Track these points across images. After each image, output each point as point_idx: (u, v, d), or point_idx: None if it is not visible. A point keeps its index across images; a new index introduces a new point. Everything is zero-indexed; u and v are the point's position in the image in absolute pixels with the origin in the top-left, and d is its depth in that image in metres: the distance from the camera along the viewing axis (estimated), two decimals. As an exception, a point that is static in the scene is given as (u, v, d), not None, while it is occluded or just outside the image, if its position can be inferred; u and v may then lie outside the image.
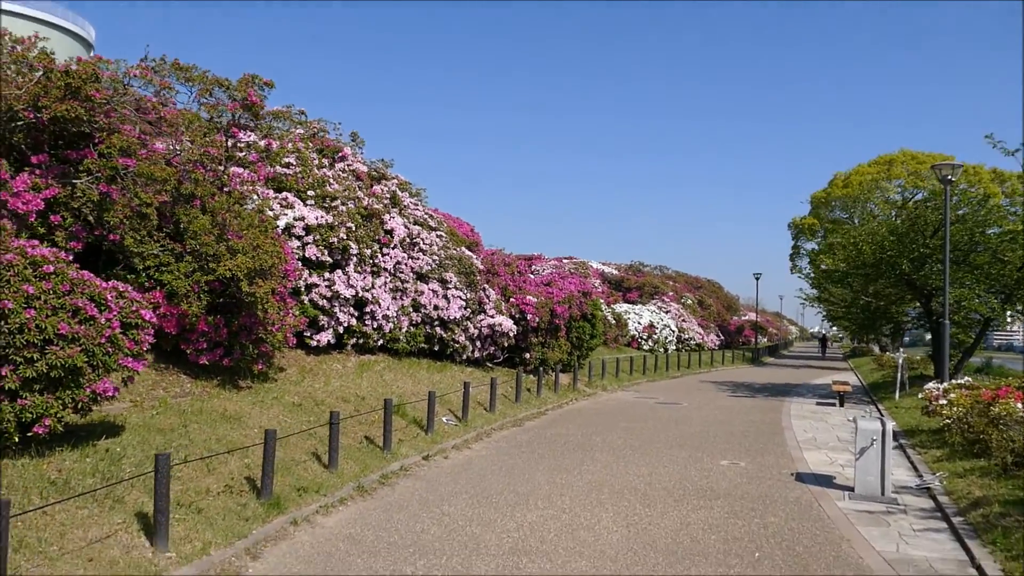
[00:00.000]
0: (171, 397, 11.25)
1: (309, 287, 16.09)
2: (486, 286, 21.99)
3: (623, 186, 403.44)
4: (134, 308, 8.67)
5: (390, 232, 18.62)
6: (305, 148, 18.61)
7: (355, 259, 17.12)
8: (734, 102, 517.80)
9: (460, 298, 19.85)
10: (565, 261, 45.10)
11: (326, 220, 16.46)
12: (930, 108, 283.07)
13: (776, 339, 77.09)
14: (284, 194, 16.48)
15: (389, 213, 18.93)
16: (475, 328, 20.90)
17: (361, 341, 17.47)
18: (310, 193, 17.07)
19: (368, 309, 17.36)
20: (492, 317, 21.29)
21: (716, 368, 41.61)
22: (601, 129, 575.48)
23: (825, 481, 12.02)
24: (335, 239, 16.48)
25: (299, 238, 16.00)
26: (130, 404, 10.49)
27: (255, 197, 14.58)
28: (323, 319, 16.33)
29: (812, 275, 43.41)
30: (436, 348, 20.00)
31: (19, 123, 10.91)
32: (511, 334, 21.71)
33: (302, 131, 19.85)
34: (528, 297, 22.95)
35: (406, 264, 18.77)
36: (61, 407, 7.84)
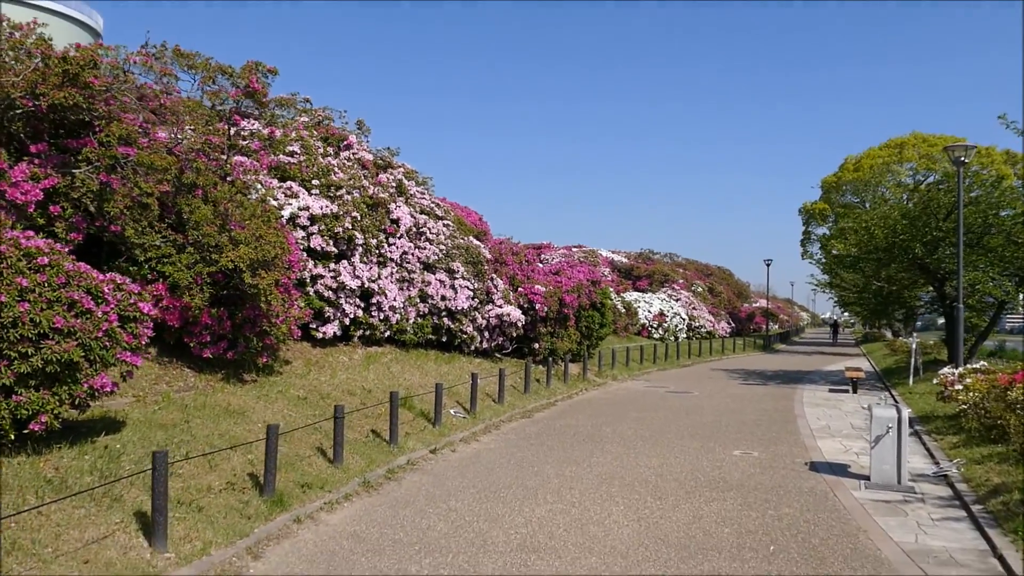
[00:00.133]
0: (174, 391, 11.09)
1: (314, 278, 15.89)
2: (494, 276, 21.77)
3: (633, 173, 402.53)
4: (132, 301, 8.47)
5: (396, 221, 18.40)
6: (310, 136, 18.39)
7: (361, 249, 16.91)
8: (744, 87, 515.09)
9: (468, 288, 19.63)
10: (575, 250, 44.82)
11: (331, 209, 16.25)
12: (942, 91, 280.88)
13: (787, 326, 76.66)
14: (288, 183, 16.26)
15: (395, 202, 18.71)
16: (483, 318, 20.69)
17: (368, 333, 17.28)
18: (315, 182, 16.85)
19: (374, 300, 17.16)
20: (500, 307, 21.07)
21: (727, 356, 41.35)
22: (612, 116, 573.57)
23: (840, 470, 11.80)
24: (340, 229, 16.27)
25: (304, 228, 15.79)
26: (132, 399, 10.33)
27: (259, 186, 14.37)
28: (329, 311, 16.14)
29: (823, 260, 43.00)
30: (444, 339, 19.81)
31: (17, 111, 10.69)
32: (520, 324, 21.49)
33: (307, 119, 19.62)
34: (537, 286, 22.72)
35: (412, 254, 18.55)
36: (58, 403, 7.65)
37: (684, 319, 43.44)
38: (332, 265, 16.24)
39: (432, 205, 20.49)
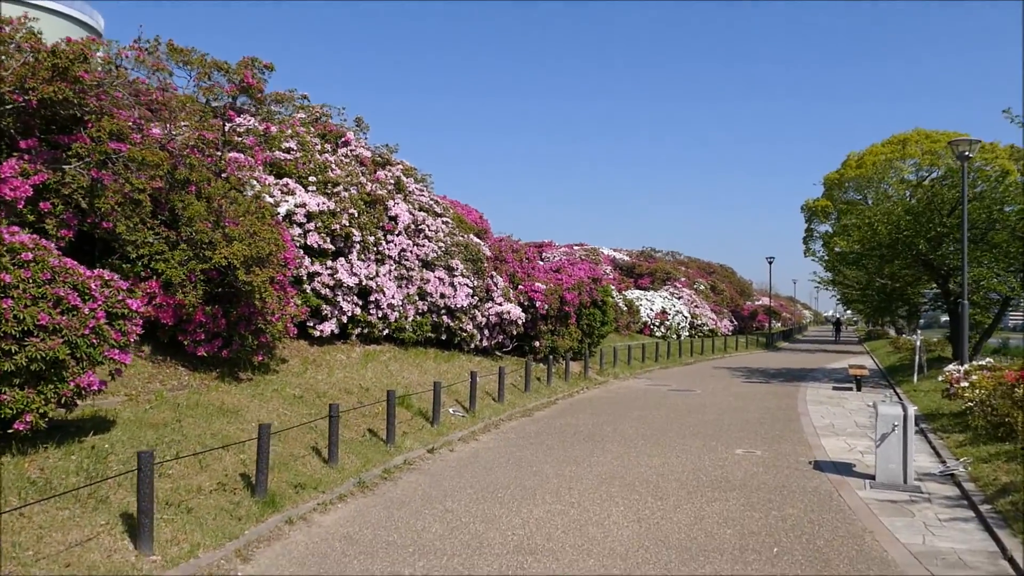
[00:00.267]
0: (167, 390, 10.91)
1: (311, 276, 15.71)
2: (494, 273, 21.58)
3: (634, 172, 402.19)
4: (121, 298, 8.28)
5: (394, 219, 18.21)
6: (306, 133, 18.21)
7: (358, 247, 16.72)
8: (746, 85, 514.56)
9: (467, 286, 19.45)
10: (576, 248, 44.65)
11: (328, 206, 16.07)
12: (945, 87, 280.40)
13: (790, 324, 76.47)
14: (285, 180, 16.08)
15: (393, 199, 18.52)
16: (483, 316, 20.50)
17: (366, 331, 17.09)
18: (311, 179, 16.67)
19: (372, 298, 16.98)
20: (500, 305, 20.88)
21: (730, 354, 41.14)
22: (614, 114, 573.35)
23: (844, 469, 11.59)
24: (337, 226, 16.09)
25: (300, 225, 15.61)
26: (124, 398, 10.16)
27: (254, 183, 14.19)
28: (326, 308, 15.95)
29: (826, 258, 42.76)
30: (443, 337, 19.63)
31: (7, 106, 10.51)
32: (520, 322, 21.30)
33: (304, 116, 19.43)
34: (537, 284, 22.53)
35: (411, 251, 18.36)
36: (43, 402, 7.47)
37: (686, 317, 43.23)
38: (329, 262, 16.06)
39: (431, 202, 20.30)
